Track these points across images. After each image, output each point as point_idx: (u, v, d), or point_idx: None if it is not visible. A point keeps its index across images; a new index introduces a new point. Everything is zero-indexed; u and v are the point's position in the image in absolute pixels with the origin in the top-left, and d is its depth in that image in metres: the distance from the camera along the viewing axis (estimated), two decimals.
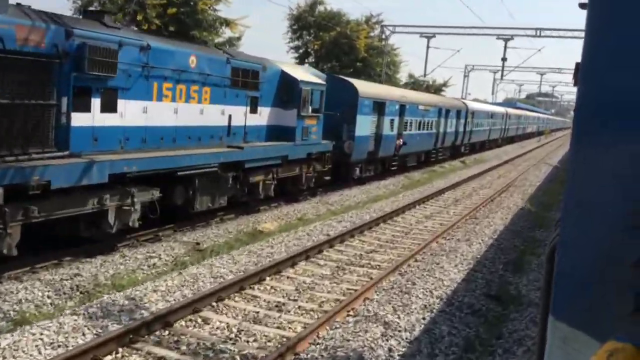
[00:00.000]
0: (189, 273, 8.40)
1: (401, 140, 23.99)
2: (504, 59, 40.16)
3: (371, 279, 9.17)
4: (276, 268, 9.11)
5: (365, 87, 20.57)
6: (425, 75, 42.91)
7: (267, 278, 8.74)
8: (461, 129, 35.49)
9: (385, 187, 21.82)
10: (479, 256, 11.48)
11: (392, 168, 24.33)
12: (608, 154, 1.49)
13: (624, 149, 1.46)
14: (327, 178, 18.48)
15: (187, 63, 11.98)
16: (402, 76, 48.21)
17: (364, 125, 20.06)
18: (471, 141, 39.23)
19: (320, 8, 39.38)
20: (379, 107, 21.60)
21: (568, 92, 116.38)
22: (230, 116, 13.62)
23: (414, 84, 59.51)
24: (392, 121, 22.87)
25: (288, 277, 8.99)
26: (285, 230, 12.96)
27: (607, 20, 1.52)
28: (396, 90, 25.17)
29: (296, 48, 39.44)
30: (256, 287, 8.32)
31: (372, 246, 11.71)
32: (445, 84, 62.09)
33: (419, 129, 26.87)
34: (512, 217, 16.46)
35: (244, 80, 13.97)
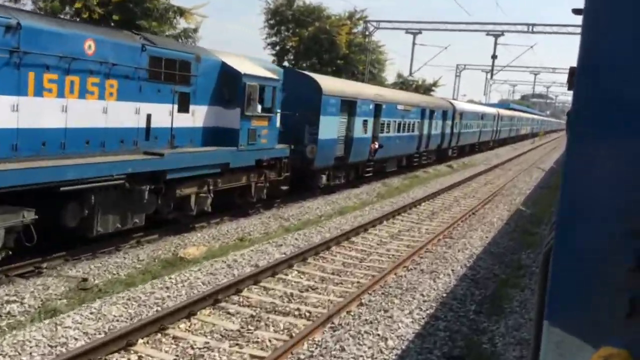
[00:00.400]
0: (14, 341, 5.92)
1: (376, 144, 21.60)
2: (494, 57, 37.80)
3: (291, 336, 6.75)
4: (159, 324, 6.67)
5: (330, 84, 18.14)
6: (411, 73, 40.51)
7: (140, 341, 6.30)
8: (448, 130, 33.13)
9: (357, 196, 19.43)
10: (445, 294, 9.07)
11: (367, 174, 21.91)
12: (603, 157, 1.47)
13: (619, 151, 1.45)
14: (285, 188, 16.05)
15: (82, 49, 9.52)
16: (389, 75, 45.79)
17: (330, 127, 17.65)
18: (459, 144, 36.89)
19: (299, 2, 36.98)
20: (349, 106, 19.20)
21: (562, 93, 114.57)
22: (149, 116, 11.16)
23: (403, 84, 57.35)
24: (365, 122, 20.46)
25: (174, 338, 6.55)
26: (214, 256, 10.53)
27: (602, 23, 1.52)
28: (370, 88, 22.69)
29: (273, 44, 37.01)
30: (116, 358, 5.88)
31: (311, 281, 9.28)
32: (435, 84, 59.91)
33: (399, 131, 24.49)
34: (494, 235, 14.07)
35: (169, 73, 11.52)
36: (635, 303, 1.42)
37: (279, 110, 14.93)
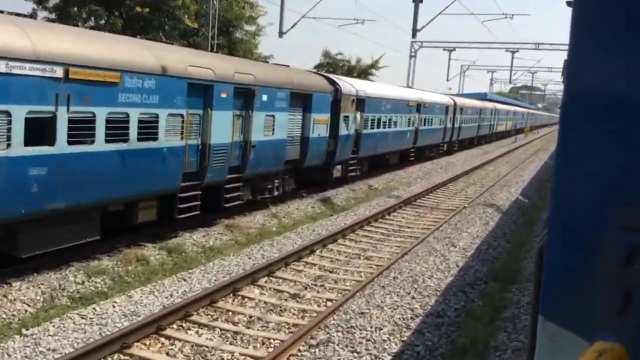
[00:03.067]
0: None
1: None
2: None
3: None
4: None
5: None
6: (281, 33, 24.19)
7: None
8: (320, 132, 17.24)
9: None
10: None
11: None
12: (596, 149, 1.47)
13: (612, 144, 1.44)
14: None
15: None
16: (267, 43, 29.34)
17: None
18: (364, 154, 20.98)
19: None
20: None
21: (551, 81, 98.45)
22: None
23: (331, 65, 41.78)
24: None
25: None
26: None
27: (592, 15, 1.49)
28: None
29: None
30: None
31: None
32: (374, 65, 44.26)
33: (77, 142, 8.51)
34: None
35: None
36: (628, 297, 1.38)
37: None
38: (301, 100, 16.08)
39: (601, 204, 1.45)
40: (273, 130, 14.59)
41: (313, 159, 17.09)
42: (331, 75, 19.14)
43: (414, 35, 26.58)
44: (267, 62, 18.58)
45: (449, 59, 49.65)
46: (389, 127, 23.27)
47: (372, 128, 21.36)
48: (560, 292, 1.55)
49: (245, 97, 13.33)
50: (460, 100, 36.81)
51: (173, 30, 21.29)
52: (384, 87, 24.48)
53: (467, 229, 13.24)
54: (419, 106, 27.35)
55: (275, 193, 15.70)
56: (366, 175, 22.41)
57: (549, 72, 71.03)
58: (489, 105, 48.09)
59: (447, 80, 51.94)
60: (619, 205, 1.41)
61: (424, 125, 28.98)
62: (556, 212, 1.57)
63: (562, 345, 1.52)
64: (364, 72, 41.97)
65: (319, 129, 17.18)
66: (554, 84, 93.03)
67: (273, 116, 14.51)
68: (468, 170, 27.33)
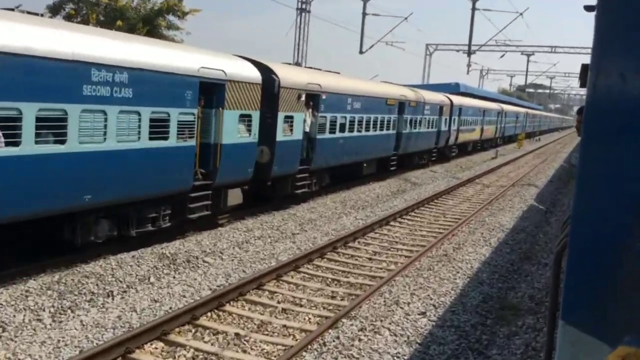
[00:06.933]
0: None
1: None
2: None
3: None
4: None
5: None
6: None
7: None
8: None
9: None
10: None
11: None
12: (620, 156, 1.43)
13: (635, 149, 1.40)
14: None
15: None
16: None
17: None
18: None
19: None
20: None
21: (555, 65, 77.54)
22: None
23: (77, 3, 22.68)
24: None
25: None
26: None
27: (617, 22, 1.47)
28: None
29: None
30: None
31: None
32: (170, 9, 24.58)
33: None
34: None
35: None
36: None
37: None
38: None
39: (624, 210, 1.41)
40: None
41: None
42: None
43: None
44: None
45: (363, 13, 29.75)
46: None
47: None
48: (582, 297, 1.53)
49: None
50: (333, 81, 17.00)
51: None
52: None
53: None
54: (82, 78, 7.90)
55: None
56: None
57: (551, 54, 50.46)
58: (438, 98, 28.10)
59: (361, 52, 32.06)
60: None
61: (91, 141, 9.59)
62: (578, 218, 1.53)
63: (584, 350, 1.49)
64: (146, 20, 22.00)
65: None
66: (562, 77, 72.35)
67: None
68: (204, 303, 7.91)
